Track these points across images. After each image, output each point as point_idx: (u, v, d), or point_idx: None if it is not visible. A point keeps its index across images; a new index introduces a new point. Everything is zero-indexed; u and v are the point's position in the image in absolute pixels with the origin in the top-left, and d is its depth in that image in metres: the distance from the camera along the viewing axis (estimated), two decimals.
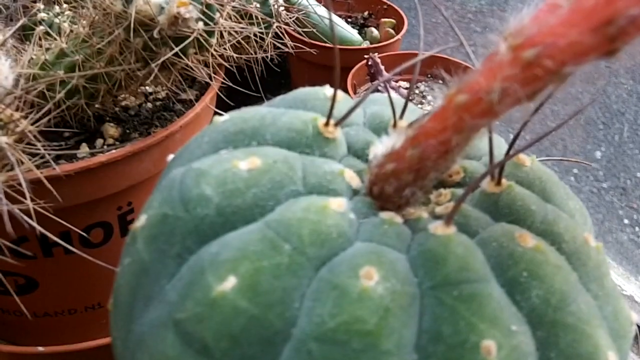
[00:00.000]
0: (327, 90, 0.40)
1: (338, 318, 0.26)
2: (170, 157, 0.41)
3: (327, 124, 0.35)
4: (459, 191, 0.35)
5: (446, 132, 0.29)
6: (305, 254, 0.28)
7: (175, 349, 0.29)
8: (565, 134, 1.24)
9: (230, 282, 0.28)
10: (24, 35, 0.62)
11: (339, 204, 0.30)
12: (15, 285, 0.67)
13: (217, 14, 0.55)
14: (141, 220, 0.35)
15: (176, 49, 0.52)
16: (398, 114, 0.38)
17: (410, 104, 0.41)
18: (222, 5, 0.54)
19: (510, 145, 0.34)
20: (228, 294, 0.28)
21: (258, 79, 0.73)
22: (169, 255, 0.32)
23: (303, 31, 0.84)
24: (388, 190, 0.32)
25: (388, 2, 1.08)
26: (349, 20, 1.08)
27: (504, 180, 0.34)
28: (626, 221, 1.49)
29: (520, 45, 0.26)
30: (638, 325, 0.39)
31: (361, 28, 1.07)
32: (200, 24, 0.53)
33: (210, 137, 0.37)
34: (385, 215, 0.31)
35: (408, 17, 1.38)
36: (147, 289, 0.33)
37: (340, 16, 1.07)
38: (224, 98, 0.71)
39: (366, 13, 1.09)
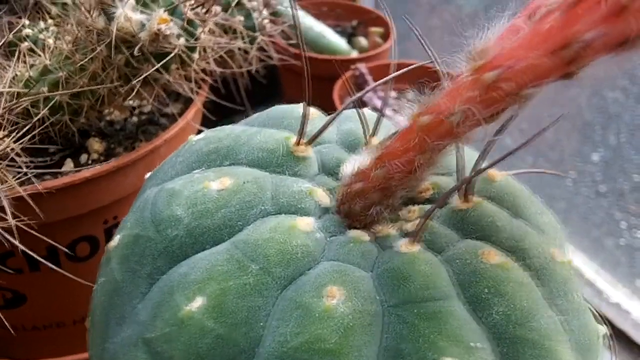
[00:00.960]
0: (297, 108, 0.40)
1: (300, 337, 0.27)
2: (148, 175, 0.42)
3: (298, 143, 0.36)
4: (429, 207, 0.35)
5: (410, 153, 0.29)
6: (271, 274, 0.29)
7: None
8: (562, 137, 1.24)
9: (198, 302, 0.28)
10: (9, 51, 0.62)
11: (306, 223, 0.31)
12: (3, 300, 0.68)
13: (199, 30, 0.55)
14: (115, 240, 0.35)
15: (157, 66, 0.53)
16: (374, 130, 0.39)
17: (386, 120, 0.42)
18: (203, 21, 0.55)
19: (477, 162, 0.34)
20: (195, 314, 0.28)
21: (248, 89, 0.74)
22: (140, 275, 0.32)
23: (288, 43, 0.85)
24: (356, 208, 0.32)
25: (376, 11, 1.09)
26: (338, 28, 1.08)
27: (472, 197, 0.34)
28: (623, 225, 1.49)
29: (481, 67, 0.27)
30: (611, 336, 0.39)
31: (350, 37, 1.08)
32: (182, 40, 0.54)
33: (184, 156, 0.37)
34: (352, 233, 0.32)
35: (401, 22, 1.39)
36: (120, 309, 0.33)
37: (329, 25, 1.08)
38: (211, 110, 0.72)
39: (355, 22, 1.09)
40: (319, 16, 1.08)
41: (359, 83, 0.88)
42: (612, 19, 0.24)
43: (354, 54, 1.03)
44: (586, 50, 0.24)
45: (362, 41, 1.05)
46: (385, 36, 1.04)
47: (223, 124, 0.40)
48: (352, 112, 0.41)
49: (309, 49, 0.95)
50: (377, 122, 0.38)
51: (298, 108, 0.40)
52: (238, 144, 0.37)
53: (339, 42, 1.01)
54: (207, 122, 0.71)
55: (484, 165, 0.35)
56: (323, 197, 0.34)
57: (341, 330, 0.27)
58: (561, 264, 0.34)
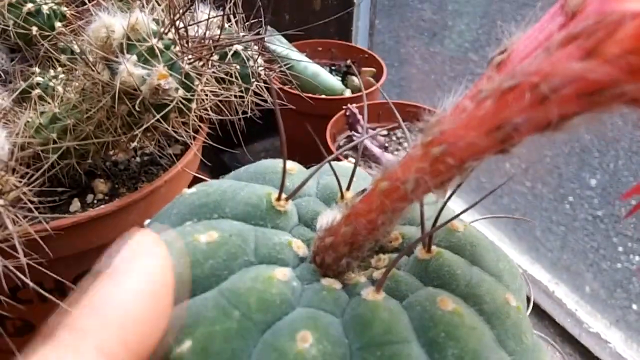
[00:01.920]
0: (279, 163, 0.45)
1: None
2: (147, 222, 0.46)
3: (279, 198, 0.40)
4: (395, 256, 0.39)
5: (372, 213, 0.34)
6: (252, 320, 0.33)
7: None
8: (561, 162, 1.27)
9: (187, 344, 0.33)
10: (21, 97, 0.67)
11: (283, 273, 0.35)
12: (13, 328, 0.72)
13: (196, 82, 0.60)
14: None
15: (158, 116, 0.57)
16: (348, 185, 0.43)
17: (363, 172, 0.46)
18: (200, 75, 0.59)
19: (438, 215, 0.39)
20: (185, 355, 0.32)
21: (245, 126, 0.78)
22: None
23: (285, 86, 0.89)
24: (328, 260, 0.36)
25: (368, 51, 1.14)
26: (333, 67, 1.13)
27: (433, 247, 0.39)
28: (620, 249, 1.52)
29: (430, 142, 0.31)
30: None
31: (344, 76, 1.12)
32: (180, 92, 0.58)
33: (179, 209, 0.42)
34: (325, 281, 0.36)
35: (392, 63, 1.43)
36: None
37: (324, 64, 1.13)
38: (209, 147, 0.76)
39: (349, 61, 1.14)
40: (314, 55, 1.13)
41: (351, 123, 0.92)
42: (535, 107, 0.28)
43: (347, 93, 1.07)
44: (515, 132, 0.29)
45: (355, 80, 1.10)
46: (378, 76, 1.08)
47: (222, 159, 0.45)
48: (335, 165, 0.46)
49: (304, 88, 1.00)
50: (351, 177, 0.43)
51: (280, 163, 0.45)
52: (225, 199, 0.41)
53: (332, 81, 1.06)
54: (209, 154, 0.76)
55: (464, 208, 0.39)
56: (300, 248, 0.38)
57: None
58: (514, 309, 0.38)
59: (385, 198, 0.33)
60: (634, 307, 1.42)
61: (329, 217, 0.38)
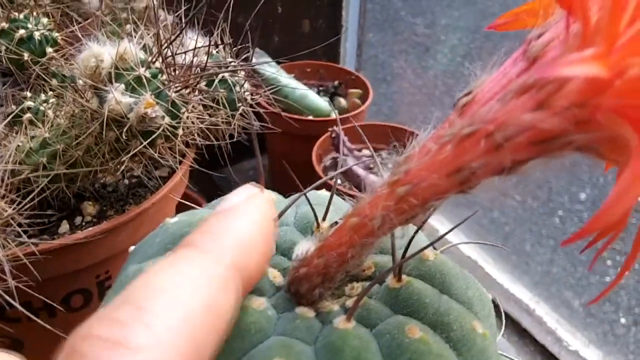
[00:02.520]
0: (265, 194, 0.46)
1: None
2: (132, 248, 0.48)
3: None
4: (367, 285, 0.41)
5: (342, 247, 0.36)
6: (229, 347, 0.35)
7: None
8: (551, 176, 1.29)
9: None
10: (13, 122, 0.69)
11: (259, 303, 0.37)
12: (2, 345, 0.73)
13: (183, 109, 0.62)
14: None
15: (144, 143, 0.59)
16: (324, 215, 0.45)
17: (341, 202, 0.48)
18: (187, 102, 0.61)
19: (408, 245, 0.41)
20: None
21: (233, 145, 0.80)
22: None
23: (272, 107, 0.91)
24: (302, 289, 0.38)
25: (356, 73, 1.16)
26: (321, 88, 1.15)
27: (404, 276, 0.40)
28: (609, 262, 1.53)
29: (395, 182, 0.33)
30: None
31: (332, 96, 1.14)
32: (167, 119, 0.60)
33: (161, 237, 0.43)
34: (299, 310, 0.38)
35: (385, 77, 1.44)
36: None
37: (312, 85, 1.15)
38: (195, 169, 0.78)
39: (336, 82, 1.16)
40: (303, 76, 1.15)
41: (336, 144, 0.94)
42: (490, 153, 0.30)
43: (335, 114, 1.10)
44: (473, 176, 0.31)
45: (342, 102, 1.12)
46: (364, 97, 1.10)
47: (211, 178, 0.46)
48: (313, 194, 0.48)
49: (292, 109, 1.02)
50: (327, 208, 0.45)
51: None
52: None
53: (320, 102, 1.08)
54: (198, 174, 0.78)
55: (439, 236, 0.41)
56: (276, 277, 0.40)
57: None
58: (480, 336, 0.40)
59: (354, 233, 0.35)
60: (623, 320, 1.43)
61: (304, 247, 0.39)
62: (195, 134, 0.66)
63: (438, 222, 1.19)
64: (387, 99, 1.53)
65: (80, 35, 0.66)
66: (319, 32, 1.18)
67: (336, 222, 0.38)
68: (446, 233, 0.44)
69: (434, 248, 0.44)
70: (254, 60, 1.01)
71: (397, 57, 1.51)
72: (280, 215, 0.42)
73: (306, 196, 0.44)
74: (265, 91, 0.79)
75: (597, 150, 0.28)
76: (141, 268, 0.40)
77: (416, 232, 0.41)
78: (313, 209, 0.44)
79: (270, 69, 1.00)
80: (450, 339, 0.38)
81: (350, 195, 0.45)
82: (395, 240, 0.44)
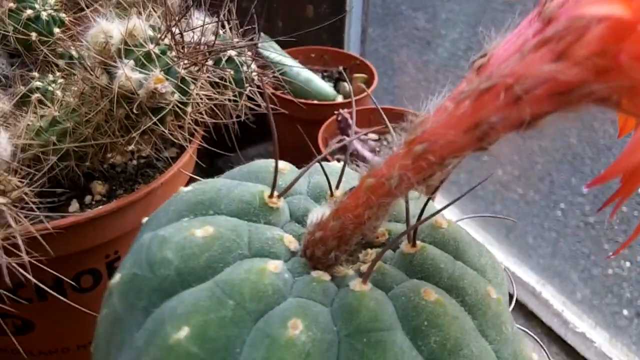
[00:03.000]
0: (272, 163, 0.47)
1: None
2: (145, 220, 0.48)
3: (271, 195, 0.42)
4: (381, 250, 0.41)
5: (359, 208, 0.36)
6: (245, 309, 0.35)
7: None
8: (552, 169, 1.29)
9: (184, 331, 0.34)
10: (22, 102, 0.69)
11: (275, 266, 0.37)
12: (13, 327, 0.74)
13: (192, 86, 0.62)
14: (116, 278, 0.42)
15: (154, 119, 0.59)
16: (337, 183, 0.45)
17: (352, 172, 0.48)
18: (195, 79, 0.61)
19: (422, 211, 0.41)
20: (182, 341, 0.34)
21: (239, 131, 0.80)
22: (137, 308, 0.38)
23: (278, 91, 0.91)
24: (317, 253, 0.38)
25: (360, 58, 1.16)
26: (325, 74, 1.15)
27: (418, 242, 0.41)
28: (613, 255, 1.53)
29: (412, 141, 0.33)
30: None
31: (336, 82, 1.14)
32: (176, 96, 0.60)
33: (176, 206, 0.44)
34: (315, 274, 0.38)
35: (386, 71, 1.44)
36: (120, 336, 0.39)
37: (316, 70, 1.15)
38: (204, 151, 0.78)
39: (341, 67, 1.16)
40: (307, 62, 1.15)
41: (342, 127, 0.95)
42: (509, 107, 0.30)
43: (340, 99, 1.10)
44: (492, 130, 0.31)
45: (347, 86, 1.12)
46: (369, 82, 1.11)
47: (216, 163, 0.46)
48: (325, 165, 0.48)
49: (297, 94, 1.02)
50: (340, 176, 0.45)
51: (273, 163, 0.47)
52: (220, 196, 0.43)
53: (325, 87, 1.08)
54: (203, 159, 0.78)
55: (440, 208, 0.42)
56: (291, 243, 0.40)
57: (302, 355, 0.33)
58: (495, 300, 0.40)
59: (371, 194, 0.35)
60: (625, 312, 1.43)
61: (318, 213, 0.40)
62: (204, 113, 0.67)
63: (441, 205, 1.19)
64: (388, 93, 1.53)
65: (89, 17, 0.66)
66: (323, 17, 1.19)
67: (351, 189, 0.38)
68: (455, 200, 0.45)
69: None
70: (258, 44, 1.01)
71: (398, 51, 1.51)
72: (292, 184, 0.43)
73: (321, 164, 0.44)
74: (272, 72, 0.79)
75: (617, 101, 0.28)
76: (157, 234, 0.41)
77: (430, 197, 0.41)
78: (327, 176, 0.44)
79: (275, 53, 1.00)
80: (465, 303, 0.39)
81: (364, 161, 0.45)
82: (410, 207, 0.44)
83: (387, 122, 0.50)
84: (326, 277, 0.38)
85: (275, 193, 0.42)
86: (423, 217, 0.41)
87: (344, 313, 0.35)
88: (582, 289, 1.27)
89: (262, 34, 1.08)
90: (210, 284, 0.36)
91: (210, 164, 1.01)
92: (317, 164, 0.47)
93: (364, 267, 0.40)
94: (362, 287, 0.36)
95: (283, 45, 1.11)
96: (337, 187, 0.45)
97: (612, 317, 1.39)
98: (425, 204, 0.41)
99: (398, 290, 0.38)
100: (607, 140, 1.31)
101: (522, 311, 0.96)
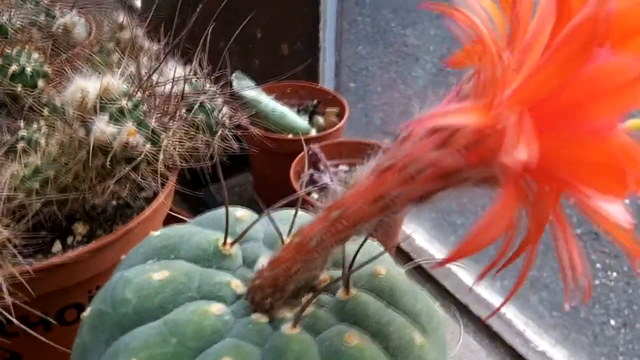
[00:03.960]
0: (238, 212, 0.52)
1: None
2: (123, 257, 0.54)
3: (224, 243, 0.48)
4: (322, 296, 0.47)
5: (289, 262, 0.41)
6: (186, 346, 0.41)
7: None
8: None
9: None
10: (8, 150, 0.75)
11: (217, 308, 0.43)
12: (2, 358, 0.79)
13: (163, 135, 0.68)
14: (87, 312, 0.48)
15: (128, 168, 0.65)
16: (289, 231, 0.50)
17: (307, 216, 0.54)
18: (166, 130, 0.67)
19: (352, 261, 0.46)
20: None
21: (216, 164, 0.85)
22: (100, 340, 0.45)
23: (253, 127, 0.97)
24: (257, 298, 0.44)
25: (333, 92, 1.22)
26: (301, 107, 1.21)
27: (353, 290, 0.46)
28: (599, 265, 1.57)
29: (330, 207, 0.39)
30: None
31: (311, 114, 1.20)
32: (148, 146, 0.66)
33: (144, 249, 0.50)
34: (255, 316, 0.44)
35: (375, 88, 1.47)
36: None
37: (292, 104, 1.21)
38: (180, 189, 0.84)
39: (315, 101, 1.22)
40: (284, 96, 1.21)
41: (314, 161, 1.00)
42: (406, 184, 0.36)
43: (313, 132, 1.16)
44: (393, 203, 0.36)
45: (320, 120, 1.18)
46: (341, 115, 1.16)
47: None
48: (281, 213, 0.53)
49: (273, 128, 1.09)
50: (292, 224, 0.50)
51: (235, 212, 0.52)
52: (182, 242, 0.49)
53: (299, 121, 1.14)
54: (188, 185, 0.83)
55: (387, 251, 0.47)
56: (238, 287, 0.46)
57: None
58: (418, 346, 0.44)
59: (296, 252, 0.41)
60: (612, 322, 1.47)
61: (263, 261, 0.46)
62: (177, 158, 0.72)
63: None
64: (378, 110, 1.58)
65: (68, 70, 0.72)
66: (297, 54, 1.25)
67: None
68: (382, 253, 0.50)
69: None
70: (235, 82, 1.08)
71: (387, 68, 1.56)
72: (243, 234, 0.48)
73: (270, 216, 0.49)
74: (242, 115, 0.85)
75: (496, 184, 0.33)
76: (122, 274, 0.46)
77: (359, 248, 0.46)
78: (276, 227, 0.49)
79: (252, 91, 1.06)
80: (389, 348, 0.44)
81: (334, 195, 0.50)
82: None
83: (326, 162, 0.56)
84: (264, 319, 0.44)
85: (229, 240, 0.48)
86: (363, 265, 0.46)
87: (273, 354, 0.41)
88: (551, 299, 1.30)
89: (239, 72, 1.15)
90: (159, 323, 0.42)
91: (191, 195, 1.07)
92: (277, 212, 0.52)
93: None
94: (291, 331, 0.42)
95: (260, 81, 1.17)
96: (289, 234, 0.50)
97: (600, 327, 1.43)
98: (355, 254, 0.46)
99: (325, 334, 0.43)
100: None
101: (487, 331, 1.02)
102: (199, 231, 0.50)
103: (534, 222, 0.33)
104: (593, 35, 0.27)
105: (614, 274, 1.58)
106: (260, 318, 0.44)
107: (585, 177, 0.30)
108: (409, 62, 1.55)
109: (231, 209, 0.53)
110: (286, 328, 0.42)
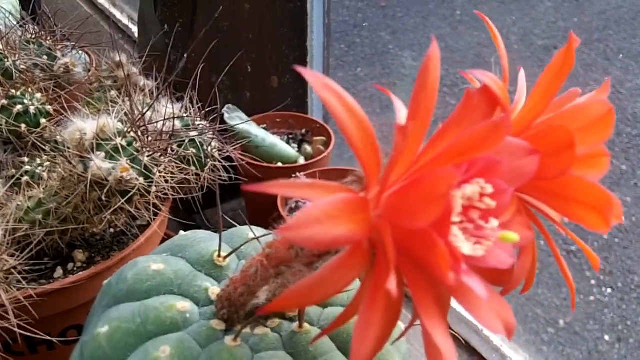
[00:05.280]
0: (249, 232, 0.58)
1: None
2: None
3: (219, 255, 0.54)
4: (287, 323, 0.51)
5: (237, 283, 0.46)
6: (145, 328, 0.48)
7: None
8: None
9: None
10: (13, 184, 0.82)
11: (183, 306, 0.49)
12: None
13: (155, 169, 0.75)
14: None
15: (122, 200, 0.72)
16: None
17: None
18: (158, 165, 0.74)
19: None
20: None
21: (212, 190, 0.91)
22: (102, 304, 0.53)
23: (244, 156, 1.04)
24: (217, 307, 0.50)
25: (320, 122, 1.29)
26: (290, 136, 1.28)
27: (305, 324, 0.50)
28: (593, 282, 1.61)
29: (269, 245, 0.44)
30: None
31: (300, 143, 1.27)
32: (141, 180, 0.73)
33: (168, 244, 0.58)
34: (213, 322, 0.49)
35: (374, 110, 1.52)
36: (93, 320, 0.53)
37: (282, 133, 1.28)
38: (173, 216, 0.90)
39: (304, 130, 1.29)
40: (274, 126, 1.28)
41: None
42: (294, 257, 0.41)
43: (302, 160, 1.22)
44: (302, 250, 0.41)
45: (308, 148, 1.25)
46: (327, 144, 1.23)
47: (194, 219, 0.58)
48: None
49: (263, 157, 1.15)
50: (240, 246, 0.55)
51: (246, 232, 0.59)
52: (191, 245, 0.56)
53: (288, 150, 1.21)
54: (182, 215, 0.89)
55: None
56: (214, 293, 0.51)
57: None
58: None
59: (241, 275, 0.46)
60: (606, 337, 1.51)
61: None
62: (169, 189, 0.79)
63: None
64: (377, 131, 1.63)
65: (68, 109, 0.79)
66: (287, 86, 1.31)
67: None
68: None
69: None
70: (226, 115, 1.15)
71: (385, 89, 1.61)
72: (235, 250, 0.54)
73: (258, 241, 0.54)
74: (231, 147, 0.91)
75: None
76: (136, 259, 0.55)
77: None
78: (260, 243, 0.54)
79: (243, 123, 1.13)
80: None
81: None
82: None
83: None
84: (221, 326, 0.49)
85: (223, 254, 0.54)
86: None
87: (206, 357, 0.46)
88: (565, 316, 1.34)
89: (230, 105, 1.22)
90: (138, 304, 0.50)
91: (188, 220, 1.13)
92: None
93: (257, 330, 0.50)
94: (230, 343, 0.47)
95: (251, 113, 1.24)
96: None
97: (594, 342, 1.47)
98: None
99: (261, 355, 0.47)
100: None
101: (466, 348, 1.07)
102: (209, 240, 0.57)
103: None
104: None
105: (609, 289, 1.63)
106: (218, 325, 0.49)
107: None
108: (407, 83, 1.60)
109: (243, 229, 0.60)
110: (229, 339, 0.47)
